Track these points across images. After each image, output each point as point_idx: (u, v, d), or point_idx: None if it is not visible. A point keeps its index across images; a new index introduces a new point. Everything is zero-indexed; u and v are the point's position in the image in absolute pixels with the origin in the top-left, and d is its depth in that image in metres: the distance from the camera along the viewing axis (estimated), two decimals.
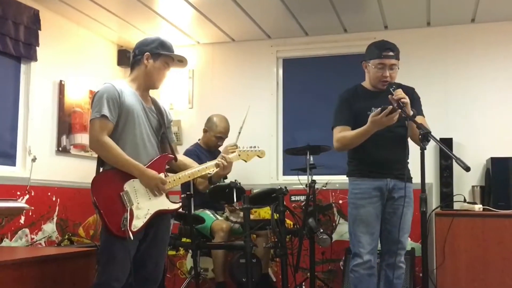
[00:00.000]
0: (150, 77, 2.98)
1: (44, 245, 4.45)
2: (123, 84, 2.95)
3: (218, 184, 3.65)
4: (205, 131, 4.63)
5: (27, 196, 4.32)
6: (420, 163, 2.78)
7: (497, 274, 4.13)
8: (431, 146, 4.36)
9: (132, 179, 2.83)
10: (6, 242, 4.10)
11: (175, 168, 3.09)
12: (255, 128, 5.19)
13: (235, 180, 3.73)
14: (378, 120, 3.03)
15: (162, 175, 2.90)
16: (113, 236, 2.73)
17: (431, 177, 4.76)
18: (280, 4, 4.51)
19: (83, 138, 4.91)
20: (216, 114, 4.69)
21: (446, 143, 4.20)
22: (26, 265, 3.08)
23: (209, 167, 3.09)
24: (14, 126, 4.37)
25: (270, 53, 5.42)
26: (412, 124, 2.96)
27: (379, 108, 3.04)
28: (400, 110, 2.98)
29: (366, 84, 3.42)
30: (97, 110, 2.81)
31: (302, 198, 4.96)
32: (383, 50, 3.25)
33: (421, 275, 3.12)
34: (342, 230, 4.90)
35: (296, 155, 4.68)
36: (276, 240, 3.90)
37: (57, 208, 4.65)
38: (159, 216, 2.90)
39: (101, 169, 2.90)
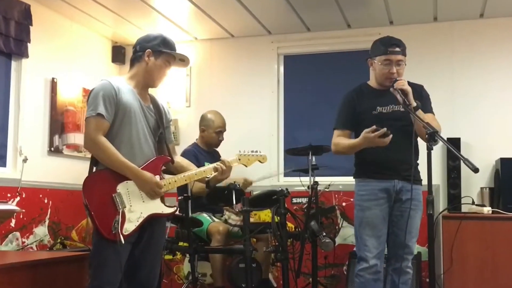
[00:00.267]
0: (150, 75, 2.97)
1: (35, 249, 4.45)
2: (121, 81, 2.95)
3: (216, 185, 3.64)
4: (202, 130, 4.64)
5: (18, 198, 4.31)
6: (427, 164, 2.78)
7: (507, 279, 4.13)
8: (438, 147, 4.35)
9: (126, 181, 2.83)
10: None
11: (172, 170, 3.08)
12: (254, 128, 5.20)
13: (234, 182, 3.72)
14: (370, 138, 3.10)
15: (157, 177, 2.90)
16: (104, 239, 2.73)
17: (438, 178, 4.75)
18: None
19: (76, 138, 4.91)
20: (208, 111, 4.71)
21: (454, 143, 4.19)
22: (17, 270, 3.07)
23: (207, 171, 3.08)
24: (4, 125, 4.37)
25: (271, 49, 5.41)
26: (418, 115, 2.99)
27: (374, 126, 3.08)
28: (391, 136, 3.05)
29: (372, 82, 3.43)
30: (93, 108, 2.81)
31: (304, 200, 4.95)
32: (389, 45, 3.26)
33: (428, 280, 3.13)
34: (345, 233, 4.90)
35: (297, 155, 4.67)
36: (276, 244, 3.89)
37: (49, 210, 4.65)
38: (154, 220, 2.90)
39: (94, 169, 2.90)
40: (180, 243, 4.16)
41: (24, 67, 4.46)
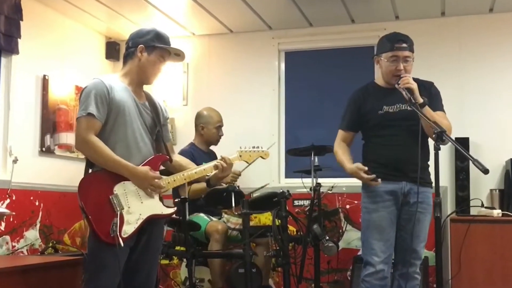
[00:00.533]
0: (144, 72, 2.98)
1: (26, 253, 4.44)
2: (114, 79, 2.95)
3: (215, 187, 3.64)
4: (202, 128, 4.64)
5: (8, 201, 4.31)
6: (434, 165, 2.78)
7: None
8: (446, 147, 4.35)
9: (123, 181, 2.83)
10: None
11: (170, 169, 3.09)
12: (255, 127, 5.20)
13: (233, 183, 3.72)
14: (359, 176, 3.25)
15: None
16: (102, 243, 2.73)
17: (446, 180, 4.74)
18: None
19: (68, 138, 4.90)
20: (202, 109, 4.72)
21: (462, 143, 4.20)
22: (7, 275, 3.07)
23: (207, 169, 3.08)
24: None
25: (271, 45, 5.41)
26: (425, 113, 3.01)
27: (367, 169, 3.21)
28: (379, 181, 3.20)
29: (379, 81, 3.44)
30: (84, 108, 2.81)
31: (306, 202, 4.96)
32: (395, 41, 3.27)
33: (435, 286, 3.12)
34: (349, 237, 4.90)
35: (299, 156, 4.67)
36: (277, 248, 3.89)
37: (40, 213, 4.64)
38: (152, 222, 2.90)
39: (90, 171, 2.90)
40: (177, 247, 4.16)
41: (14, 64, 4.46)
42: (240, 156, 3.27)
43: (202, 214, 4.32)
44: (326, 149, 4.48)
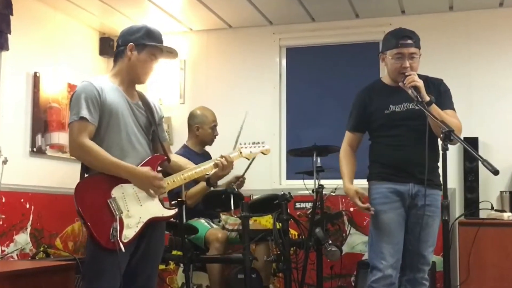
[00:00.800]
0: (134, 71, 2.97)
1: (16, 258, 4.44)
2: (104, 80, 2.95)
3: (213, 189, 3.64)
4: (197, 128, 4.64)
5: None
6: (442, 166, 2.78)
7: None
8: (454, 147, 4.33)
9: (121, 184, 2.83)
10: None
11: (168, 170, 3.09)
12: (255, 126, 5.16)
13: (232, 185, 3.72)
14: (354, 201, 3.31)
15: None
16: (101, 249, 2.73)
17: (454, 181, 4.74)
18: None
19: (60, 138, 4.90)
20: (195, 108, 4.73)
21: (471, 143, 4.18)
22: None
23: (207, 168, 3.09)
24: None
25: (272, 41, 5.42)
26: (431, 111, 3.01)
27: (366, 195, 3.30)
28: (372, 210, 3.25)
29: (385, 79, 3.44)
30: (75, 113, 2.81)
31: (308, 205, 4.96)
32: (400, 38, 3.26)
33: None
34: (353, 241, 4.90)
35: (301, 156, 4.67)
36: (278, 252, 3.89)
37: (31, 216, 4.64)
38: (152, 225, 2.90)
39: (85, 176, 2.90)
40: (174, 252, 4.16)
41: (4, 61, 4.45)
42: (241, 153, 3.28)
43: (202, 220, 4.32)
44: (329, 149, 4.48)
